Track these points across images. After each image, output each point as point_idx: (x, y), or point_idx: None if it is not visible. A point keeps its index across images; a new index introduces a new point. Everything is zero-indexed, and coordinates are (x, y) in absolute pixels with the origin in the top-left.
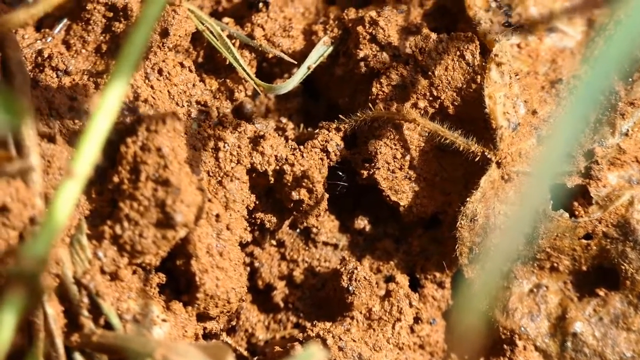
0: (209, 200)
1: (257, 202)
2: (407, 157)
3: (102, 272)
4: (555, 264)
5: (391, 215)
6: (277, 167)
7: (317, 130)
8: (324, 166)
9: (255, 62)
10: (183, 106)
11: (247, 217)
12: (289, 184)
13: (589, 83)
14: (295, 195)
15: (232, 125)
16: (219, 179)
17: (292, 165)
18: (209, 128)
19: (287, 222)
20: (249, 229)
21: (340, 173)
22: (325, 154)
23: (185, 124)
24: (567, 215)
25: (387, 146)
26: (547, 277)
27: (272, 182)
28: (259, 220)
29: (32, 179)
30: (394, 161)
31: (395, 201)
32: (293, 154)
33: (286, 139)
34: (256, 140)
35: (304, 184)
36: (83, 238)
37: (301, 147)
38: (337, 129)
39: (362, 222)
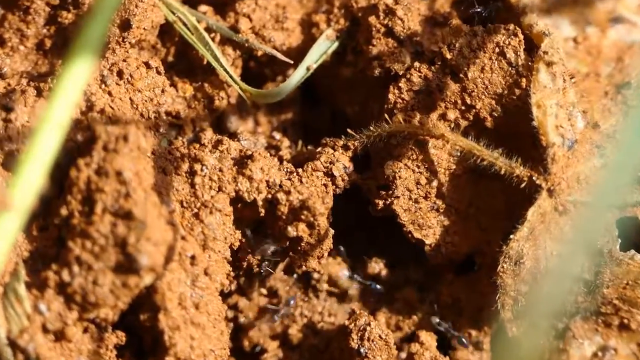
0: (183, 238)
1: (243, 240)
2: (434, 183)
3: (45, 330)
4: (626, 321)
5: (414, 256)
6: (269, 196)
7: (319, 149)
8: (328, 194)
9: (240, 61)
10: (149, 118)
11: (231, 259)
12: (284, 217)
13: None
14: (292, 231)
15: (212, 143)
16: (195, 210)
17: (288, 193)
18: (182, 146)
19: (281, 266)
20: (232, 274)
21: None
22: (329, 179)
23: (152, 140)
24: (639, 257)
25: (408, 169)
26: (616, 337)
27: (262, 214)
28: (245, 264)
29: None
30: (418, 188)
31: (419, 239)
32: (289, 179)
33: (280, 159)
34: (242, 162)
35: (303, 216)
36: (20, 287)
37: (299, 170)
38: (345, 147)
39: (376, 266)
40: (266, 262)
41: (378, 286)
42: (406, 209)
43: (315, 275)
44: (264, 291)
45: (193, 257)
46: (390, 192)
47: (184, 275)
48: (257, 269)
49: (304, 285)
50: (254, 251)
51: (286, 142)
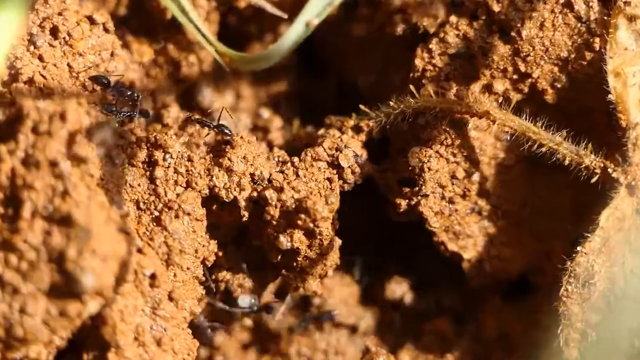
0: (140, 251)
1: (220, 254)
2: (475, 177)
3: None
4: None
5: (448, 275)
6: (255, 194)
7: (321, 131)
8: (333, 192)
9: (216, 15)
10: (94, 90)
11: (204, 279)
12: (274, 223)
13: None
14: (285, 241)
15: (178, 124)
16: (156, 213)
17: (280, 190)
18: (138, 128)
19: (271, 288)
20: (206, 299)
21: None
22: (335, 172)
23: (98, 120)
24: None
25: (440, 158)
26: None
27: (245, 218)
28: (223, 285)
29: None
30: (453, 184)
31: (454, 251)
32: (281, 172)
33: (270, 145)
34: (219, 149)
35: (299, 222)
36: None
37: (295, 159)
38: (356, 129)
39: (398, 288)
40: (252, 283)
41: (400, 315)
42: (437, 212)
43: (317, 301)
44: (248, 322)
45: (153, 277)
46: (417, 188)
47: (142, 301)
48: (238, 291)
49: (301, 314)
50: (234, 268)
51: (277, 122)
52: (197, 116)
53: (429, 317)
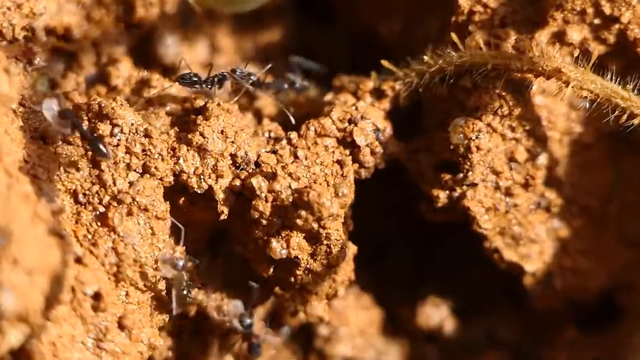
0: (79, 261)
1: (189, 265)
2: (542, 160)
3: None
4: None
5: (504, 295)
6: (237, 183)
7: (329, 96)
8: (345, 180)
9: None
10: (15, 39)
11: (167, 299)
12: (264, 223)
13: None
14: (279, 248)
15: (131, 85)
16: (101, 209)
17: (272, 177)
18: (75, 91)
19: (260, 312)
20: (170, 328)
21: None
22: (348, 152)
23: (20, 81)
24: None
25: (493, 133)
26: None
27: (224, 216)
28: (194, 308)
29: None
30: (512, 169)
31: (513, 262)
32: (274, 152)
33: (258, 115)
34: (186, 120)
35: (299, 221)
36: None
37: (293, 135)
38: (377, 94)
39: (435, 312)
40: (232, 306)
41: (437, 350)
42: (490, 208)
43: (323, 331)
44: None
45: (97, 297)
46: (461, 175)
47: (82, 330)
48: (217, 317)
49: (302, 348)
50: (210, 285)
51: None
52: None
53: (477, 352)
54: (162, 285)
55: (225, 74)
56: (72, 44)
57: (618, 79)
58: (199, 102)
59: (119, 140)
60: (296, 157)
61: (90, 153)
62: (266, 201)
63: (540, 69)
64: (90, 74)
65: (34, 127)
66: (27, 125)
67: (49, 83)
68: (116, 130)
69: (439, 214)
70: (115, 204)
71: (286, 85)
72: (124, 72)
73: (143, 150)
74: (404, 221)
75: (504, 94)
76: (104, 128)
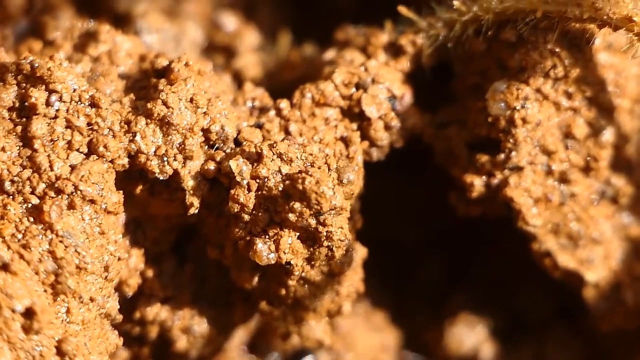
0: (5, 269)
1: (149, 274)
2: (608, 135)
3: None
4: None
5: (558, 312)
6: (212, 167)
7: (330, 53)
8: (352, 163)
9: None
10: None
11: (119, 318)
12: (247, 219)
13: None
14: (265, 250)
15: (74, 39)
16: (34, 201)
17: (257, 159)
18: (1, 47)
19: (241, 335)
20: (127, 354)
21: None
22: (356, 126)
23: None
24: None
25: (544, 102)
26: None
27: (194, 209)
28: (155, 329)
29: None
30: (568, 148)
31: (570, 270)
32: (259, 126)
33: (237, 78)
34: (146, 85)
35: (292, 216)
36: None
37: (283, 103)
38: (393, 50)
39: (468, 335)
40: (206, 326)
41: None
42: (539, 199)
43: (323, 359)
44: None
45: (29, 314)
46: (502, 156)
47: (9, 357)
48: (185, 341)
49: None
50: (175, 300)
51: (251, 37)
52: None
53: None
54: (113, 302)
55: None
56: None
57: None
58: (162, 61)
59: (57, 110)
60: (288, 132)
61: (19, 127)
62: (249, 190)
63: (605, 17)
64: (20, 24)
65: None
66: None
67: None
68: (54, 97)
69: (473, 207)
70: (52, 194)
71: None
72: (64, 22)
73: (88, 124)
74: (429, 216)
75: (557, 50)
76: (37, 95)
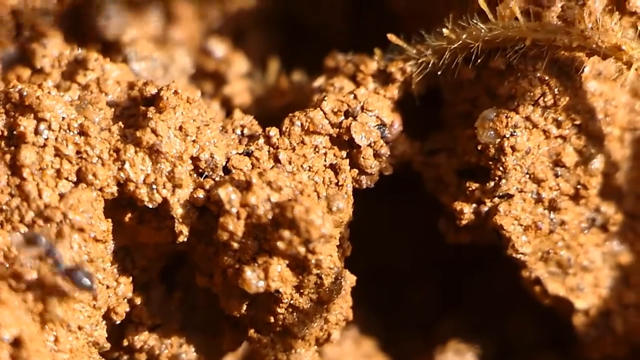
0: None
1: (137, 302)
2: (597, 164)
3: None
4: None
5: (547, 339)
6: (201, 195)
7: (319, 81)
8: (342, 191)
9: None
10: None
11: (107, 346)
12: (236, 247)
13: None
14: (254, 279)
15: (63, 67)
16: (23, 229)
17: (247, 187)
18: None
19: None
20: None
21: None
22: (345, 153)
23: None
24: None
25: (534, 130)
26: None
27: (182, 238)
28: (143, 357)
29: None
30: (557, 176)
31: (560, 297)
32: (248, 154)
33: (227, 105)
34: (135, 113)
35: (280, 244)
36: None
37: (272, 131)
38: (383, 77)
39: None
40: (195, 354)
41: None
42: (529, 226)
43: None
44: None
45: (17, 344)
46: (492, 184)
47: None
48: None
49: None
50: (163, 328)
51: (240, 64)
52: None
53: None
54: (101, 331)
55: None
56: None
57: None
58: (151, 89)
59: (46, 139)
60: (277, 160)
61: (8, 156)
62: (238, 218)
63: (594, 45)
64: (9, 52)
65: None
66: None
67: None
68: (42, 126)
69: (463, 234)
70: (41, 222)
71: None
72: (53, 49)
73: (77, 153)
74: (419, 243)
75: (547, 78)
76: (26, 123)
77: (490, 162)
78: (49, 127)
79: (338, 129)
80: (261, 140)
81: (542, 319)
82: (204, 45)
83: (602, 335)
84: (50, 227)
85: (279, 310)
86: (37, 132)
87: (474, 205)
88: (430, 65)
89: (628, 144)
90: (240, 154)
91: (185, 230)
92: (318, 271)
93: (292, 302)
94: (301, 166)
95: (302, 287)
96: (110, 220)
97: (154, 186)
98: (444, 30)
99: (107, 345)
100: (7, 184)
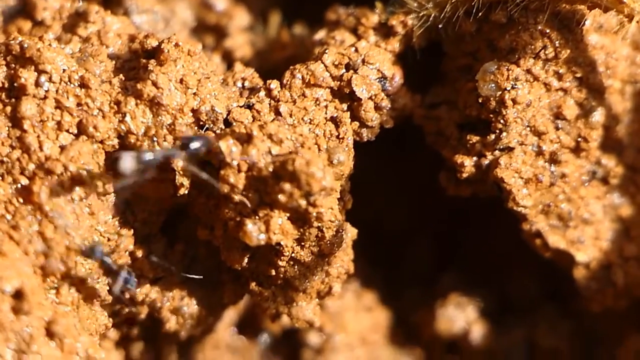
0: None
1: (138, 254)
2: (597, 116)
3: None
4: None
5: (547, 293)
6: (203, 147)
7: (320, 34)
8: (343, 143)
9: None
10: None
11: (109, 298)
12: (237, 199)
13: None
14: (255, 231)
15: (63, 19)
16: (23, 181)
17: (247, 140)
18: None
19: (231, 315)
20: (117, 334)
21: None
22: (346, 106)
23: None
24: None
25: (535, 82)
26: None
27: (183, 190)
28: (145, 309)
29: None
30: (558, 128)
31: (560, 250)
32: (249, 107)
33: (228, 58)
34: (136, 65)
35: (282, 197)
36: None
37: (273, 84)
38: (384, 30)
39: (458, 315)
40: (196, 306)
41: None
42: (530, 179)
43: (314, 340)
44: None
45: (19, 296)
46: (492, 137)
47: (0, 337)
48: (175, 322)
49: None
50: (165, 280)
51: (241, 17)
52: None
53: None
54: (102, 283)
55: None
56: None
57: None
58: (152, 42)
59: (46, 91)
60: (278, 113)
61: (8, 108)
62: (239, 171)
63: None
64: (10, 4)
65: None
66: None
67: None
68: (43, 78)
69: (464, 187)
70: (42, 174)
71: None
72: (54, 2)
73: (78, 105)
74: (420, 196)
75: (548, 31)
76: (27, 75)
77: (491, 115)
78: (50, 79)
79: (339, 82)
80: (262, 93)
81: (542, 273)
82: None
83: (603, 288)
84: (49, 178)
85: (280, 263)
86: (37, 84)
87: (475, 158)
88: (431, 18)
89: (629, 97)
90: (241, 106)
91: (186, 182)
92: (319, 224)
93: (293, 255)
94: (302, 119)
95: (303, 240)
96: (111, 172)
97: (155, 138)
98: None
99: (109, 298)
100: (7, 136)
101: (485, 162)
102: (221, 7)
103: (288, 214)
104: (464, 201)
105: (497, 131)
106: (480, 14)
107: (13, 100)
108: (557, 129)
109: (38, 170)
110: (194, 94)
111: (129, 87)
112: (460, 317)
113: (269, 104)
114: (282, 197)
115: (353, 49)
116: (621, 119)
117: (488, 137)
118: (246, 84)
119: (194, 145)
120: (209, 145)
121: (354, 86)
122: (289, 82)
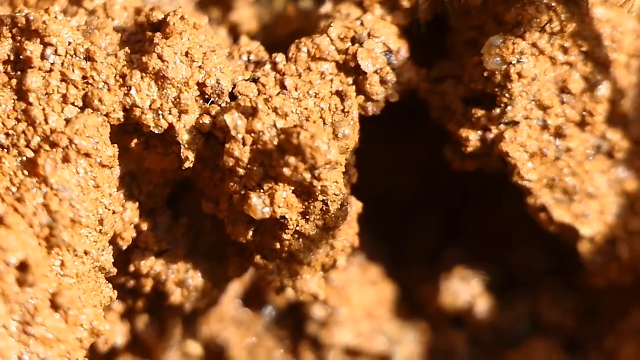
0: None
1: (144, 227)
2: (603, 90)
3: None
4: None
5: (552, 268)
6: (207, 121)
7: (326, 7)
8: (348, 117)
9: None
10: None
11: (114, 271)
12: (242, 173)
13: None
14: (260, 204)
15: None
16: (29, 154)
17: (253, 113)
18: None
19: (236, 288)
20: (123, 306)
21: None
22: (352, 80)
23: None
24: None
25: (541, 56)
26: None
27: (189, 164)
28: (149, 282)
29: None
30: (564, 102)
31: (565, 224)
32: (255, 80)
33: (233, 32)
34: (138, 38)
35: (287, 170)
36: None
37: (279, 58)
38: (390, 4)
39: (463, 289)
40: (201, 279)
41: (467, 338)
42: (535, 154)
43: (319, 313)
44: (194, 349)
45: (23, 268)
46: (498, 111)
47: (4, 310)
48: (180, 295)
49: (290, 335)
50: (170, 254)
51: None
52: None
53: (517, 340)
54: (108, 256)
55: None
56: None
57: None
58: (158, 15)
59: (52, 64)
60: (283, 87)
61: (14, 80)
62: (244, 144)
63: None
64: None
65: None
66: None
67: None
68: (49, 51)
69: (469, 161)
70: (47, 147)
71: None
72: None
73: (84, 78)
74: (425, 171)
75: (554, 4)
76: (33, 48)
77: (497, 89)
78: (56, 52)
79: (345, 56)
80: (268, 67)
81: (547, 247)
82: None
83: (608, 262)
84: (56, 152)
85: (284, 236)
86: (43, 57)
87: (480, 132)
88: None
89: (634, 71)
90: (246, 80)
91: (191, 156)
92: (324, 198)
93: (298, 228)
94: (307, 93)
95: (308, 214)
96: (116, 145)
97: (160, 112)
98: None
99: (114, 271)
100: (13, 109)
101: (491, 136)
102: None
103: (293, 188)
104: (470, 176)
105: (503, 105)
106: None
107: (19, 73)
108: (562, 103)
109: (43, 143)
110: (200, 67)
111: (134, 60)
112: (465, 291)
113: (275, 78)
114: (287, 171)
115: (359, 22)
116: (627, 93)
117: (493, 111)
118: (252, 57)
119: None
120: None
121: (360, 60)
122: (294, 56)
